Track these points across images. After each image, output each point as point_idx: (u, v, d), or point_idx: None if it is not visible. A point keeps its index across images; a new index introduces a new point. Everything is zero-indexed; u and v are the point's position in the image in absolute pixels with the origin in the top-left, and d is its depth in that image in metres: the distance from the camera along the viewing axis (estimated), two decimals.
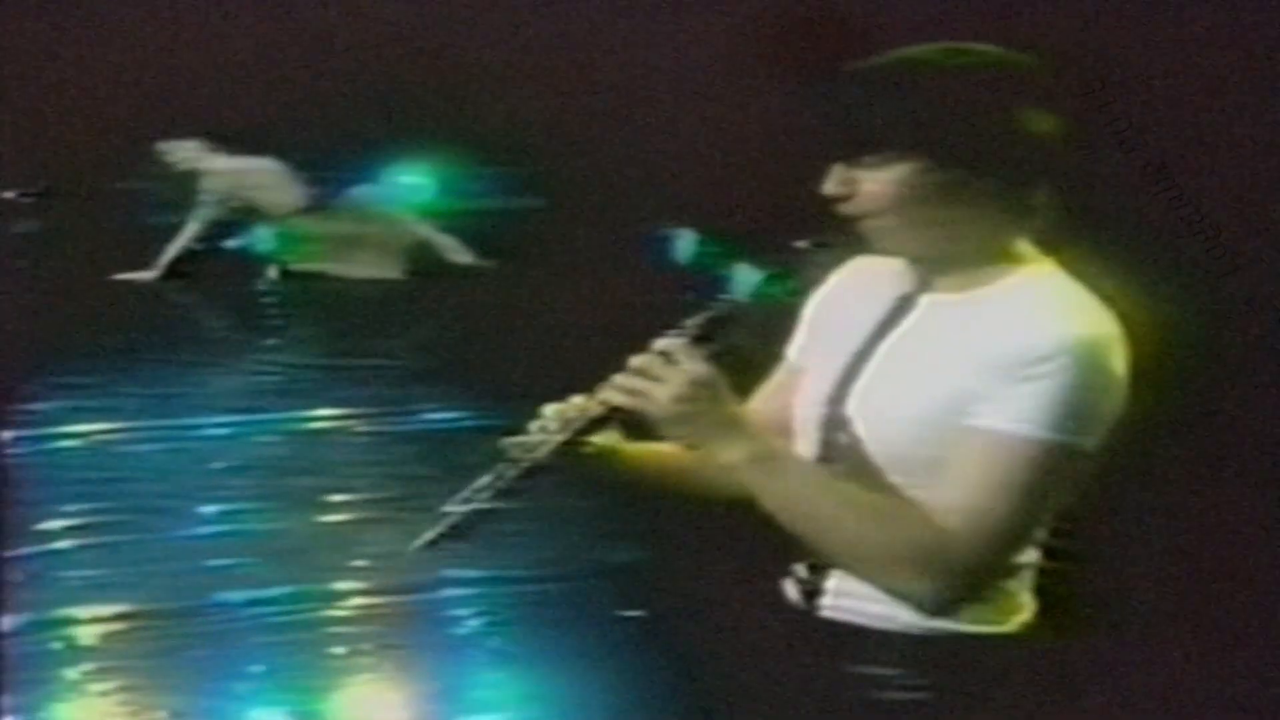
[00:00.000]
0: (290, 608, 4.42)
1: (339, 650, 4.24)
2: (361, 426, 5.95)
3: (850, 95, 2.01)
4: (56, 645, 4.21)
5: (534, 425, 2.08)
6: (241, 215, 9.03)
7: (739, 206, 5.65)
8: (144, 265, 8.74)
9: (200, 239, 8.93)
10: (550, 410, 2.08)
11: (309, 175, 9.11)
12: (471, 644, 4.32)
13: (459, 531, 2.03)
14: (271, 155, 9.01)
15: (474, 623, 4.39)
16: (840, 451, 2.04)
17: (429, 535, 2.05)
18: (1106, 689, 2.18)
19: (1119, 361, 1.96)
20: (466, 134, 8.61)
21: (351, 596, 4.48)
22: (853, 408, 2.03)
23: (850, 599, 2.04)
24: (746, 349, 2.08)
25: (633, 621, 4.25)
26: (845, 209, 2.01)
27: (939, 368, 1.98)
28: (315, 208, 9.15)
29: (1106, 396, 1.96)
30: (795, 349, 2.24)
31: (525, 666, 4.11)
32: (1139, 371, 1.97)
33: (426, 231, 9.09)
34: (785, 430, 2.12)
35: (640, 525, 4.24)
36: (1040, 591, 2.07)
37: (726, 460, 1.97)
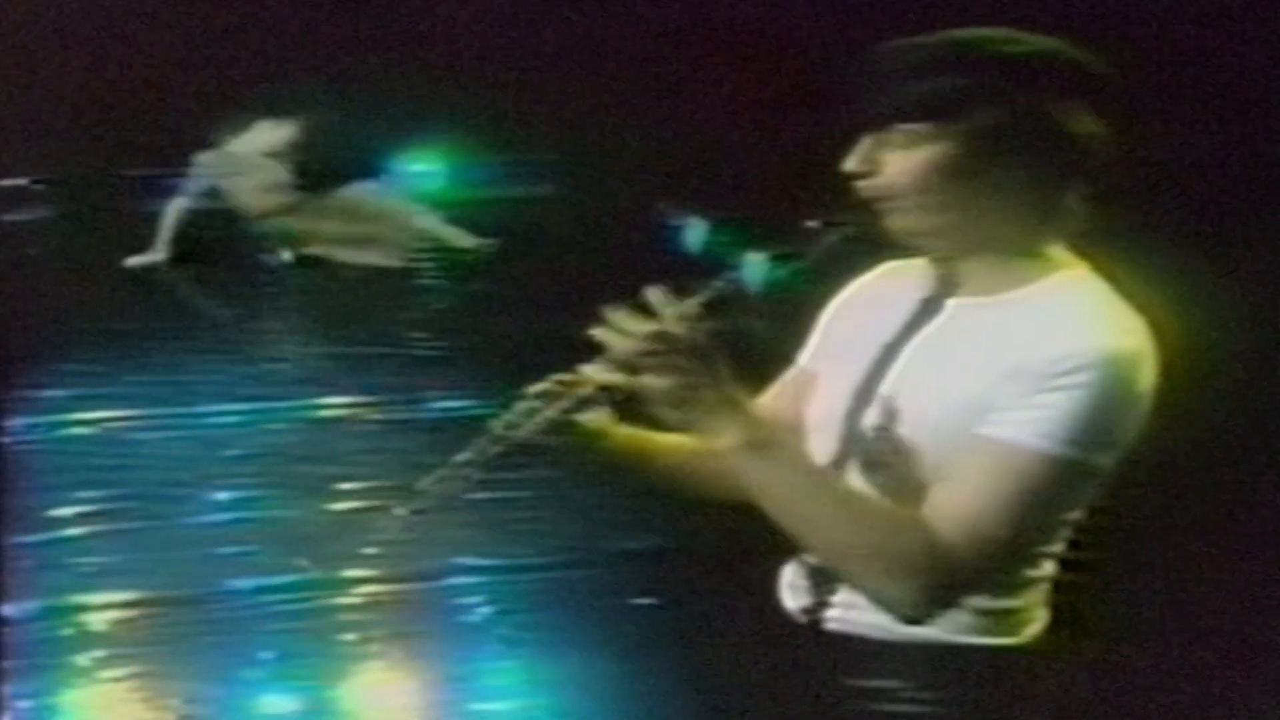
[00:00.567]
0: (300, 595, 4.42)
1: (350, 637, 4.24)
2: (372, 414, 5.94)
3: (890, 66, 1.92)
4: (68, 632, 4.21)
5: (520, 403, 2.01)
6: (221, 209, 8.89)
7: (752, 194, 5.64)
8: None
9: (194, 224, 8.80)
10: (537, 387, 2.02)
11: (317, 163, 9.04)
12: (482, 631, 4.31)
13: (436, 507, 1.97)
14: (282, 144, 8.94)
15: (484, 610, 4.39)
16: (862, 449, 1.96)
17: (401, 511, 1.99)
18: (1119, 703, 2.14)
19: (1146, 378, 1.88)
20: (477, 121, 8.59)
21: (362, 584, 4.48)
22: (877, 409, 1.96)
23: (856, 610, 1.97)
24: (748, 335, 2.01)
25: (643, 609, 4.24)
26: (866, 187, 1.94)
27: (964, 372, 1.90)
28: (299, 206, 8.99)
29: (1128, 414, 1.87)
30: (807, 354, 2.18)
31: (535, 654, 4.11)
32: (1165, 381, 1.89)
33: (430, 223, 9.03)
34: (792, 432, 2.05)
35: (651, 513, 4.23)
36: (1053, 604, 2.01)
37: (720, 444, 1.88)
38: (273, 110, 8.70)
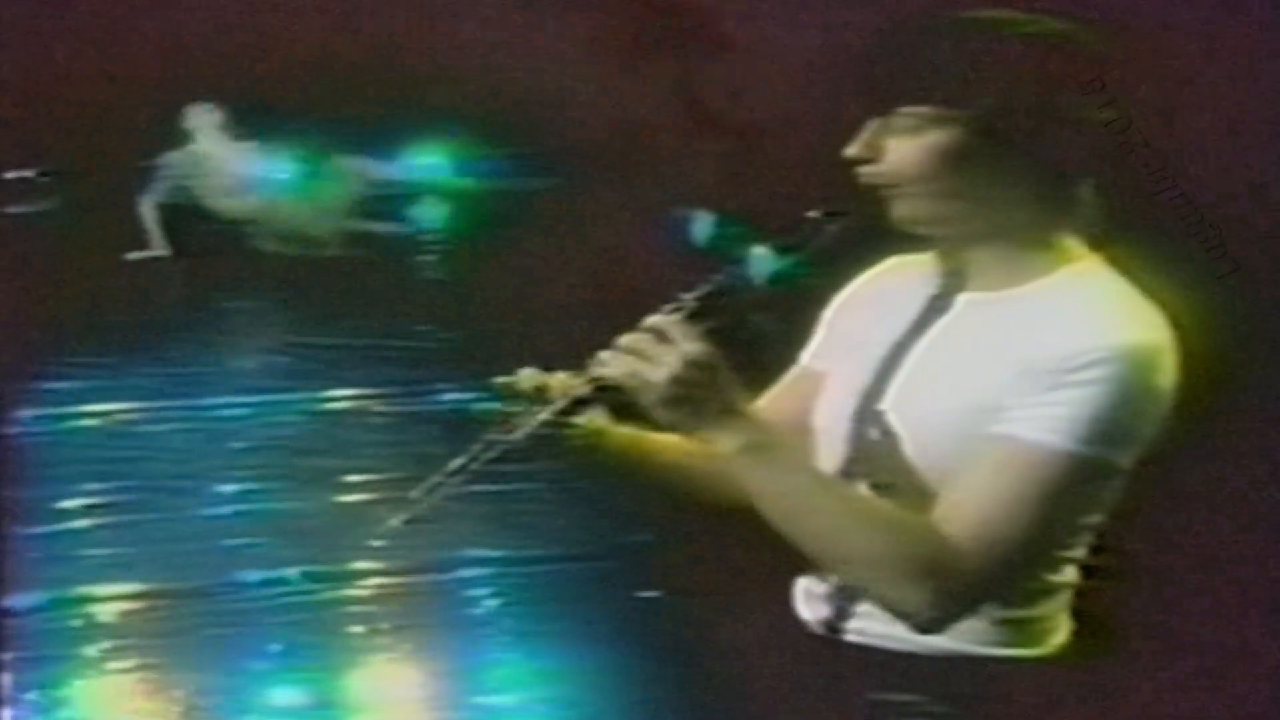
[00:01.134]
0: (307, 587, 4.42)
1: (357, 629, 4.24)
2: (379, 407, 5.93)
3: (895, 46, 1.85)
4: (75, 623, 4.22)
5: (515, 405, 1.98)
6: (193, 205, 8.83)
7: (758, 187, 5.62)
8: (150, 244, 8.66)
9: (175, 220, 8.76)
10: (527, 384, 1.99)
11: (312, 153, 8.99)
12: (488, 624, 4.31)
13: (430, 515, 1.95)
14: (280, 135, 8.89)
15: (491, 603, 4.39)
16: (871, 451, 1.92)
17: (395, 521, 1.98)
18: (1143, 713, 2.10)
19: (1166, 374, 1.81)
20: (480, 113, 8.56)
21: (369, 576, 4.47)
22: (888, 407, 1.91)
23: (875, 621, 1.93)
24: (750, 330, 1.98)
25: (649, 602, 4.24)
26: (870, 174, 1.88)
27: (975, 371, 1.84)
28: (269, 206, 8.92)
29: (1148, 411, 1.81)
30: (811, 353, 2.14)
31: (542, 646, 4.10)
32: (1187, 381, 1.82)
33: (356, 224, 8.92)
34: (796, 435, 2.00)
35: (658, 506, 4.22)
36: (1076, 611, 1.96)
37: (720, 449, 1.83)
38: (270, 110, 8.67)
